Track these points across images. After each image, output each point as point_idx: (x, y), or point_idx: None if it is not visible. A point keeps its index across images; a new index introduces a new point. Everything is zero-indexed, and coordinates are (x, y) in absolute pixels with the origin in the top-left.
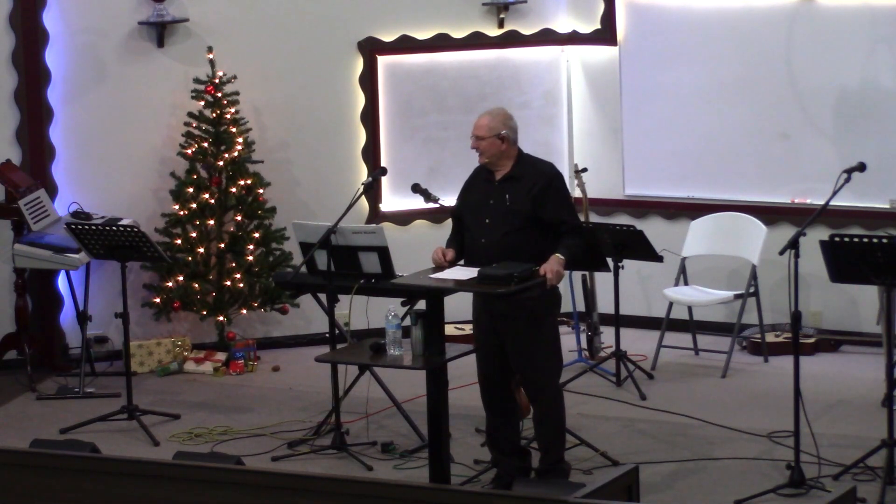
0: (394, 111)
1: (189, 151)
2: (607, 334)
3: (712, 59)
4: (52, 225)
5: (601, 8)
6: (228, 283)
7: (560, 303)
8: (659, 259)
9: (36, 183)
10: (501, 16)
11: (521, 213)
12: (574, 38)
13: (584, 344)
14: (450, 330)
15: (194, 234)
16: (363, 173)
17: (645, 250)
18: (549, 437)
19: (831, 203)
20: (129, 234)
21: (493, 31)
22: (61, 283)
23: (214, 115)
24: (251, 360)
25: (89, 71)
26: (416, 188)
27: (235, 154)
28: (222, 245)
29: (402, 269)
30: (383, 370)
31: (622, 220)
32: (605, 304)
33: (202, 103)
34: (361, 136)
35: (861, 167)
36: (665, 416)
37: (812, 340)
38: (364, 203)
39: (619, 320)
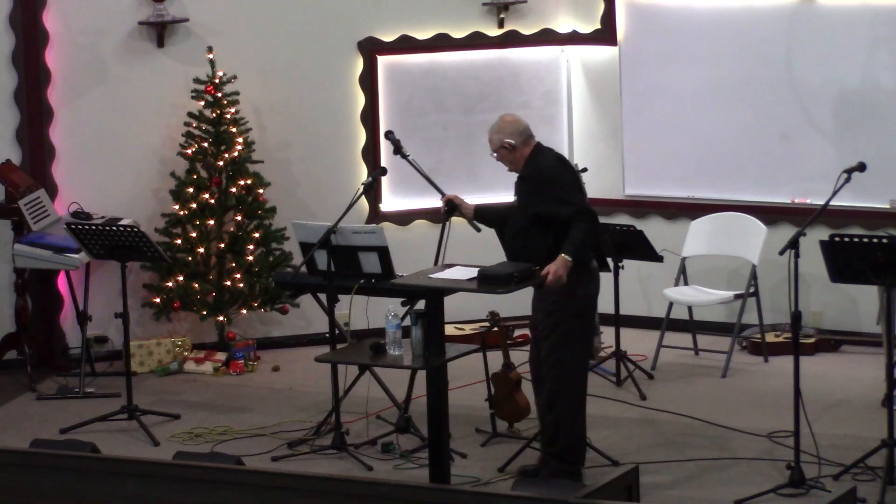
0: (394, 111)
1: (189, 151)
2: (607, 334)
3: (712, 59)
4: (52, 225)
5: (601, 8)
6: (228, 283)
7: (587, 300)
8: (659, 259)
9: (36, 183)
10: (501, 16)
11: (524, 213)
12: (574, 38)
13: None
14: (450, 330)
15: (194, 234)
16: (363, 173)
17: (645, 250)
18: (549, 429)
19: (831, 203)
20: (129, 234)
21: (493, 31)
22: (61, 283)
23: (214, 115)
24: (251, 360)
25: (89, 71)
26: (389, 136)
27: (235, 154)
28: (222, 245)
29: (402, 269)
30: (383, 370)
31: (622, 220)
32: (605, 304)
33: (202, 103)
34: (361, 136)
35: (861, 167)
36: (665, 416)
37: (812, 340)
38: (364, 203)
39: (619, 320)
